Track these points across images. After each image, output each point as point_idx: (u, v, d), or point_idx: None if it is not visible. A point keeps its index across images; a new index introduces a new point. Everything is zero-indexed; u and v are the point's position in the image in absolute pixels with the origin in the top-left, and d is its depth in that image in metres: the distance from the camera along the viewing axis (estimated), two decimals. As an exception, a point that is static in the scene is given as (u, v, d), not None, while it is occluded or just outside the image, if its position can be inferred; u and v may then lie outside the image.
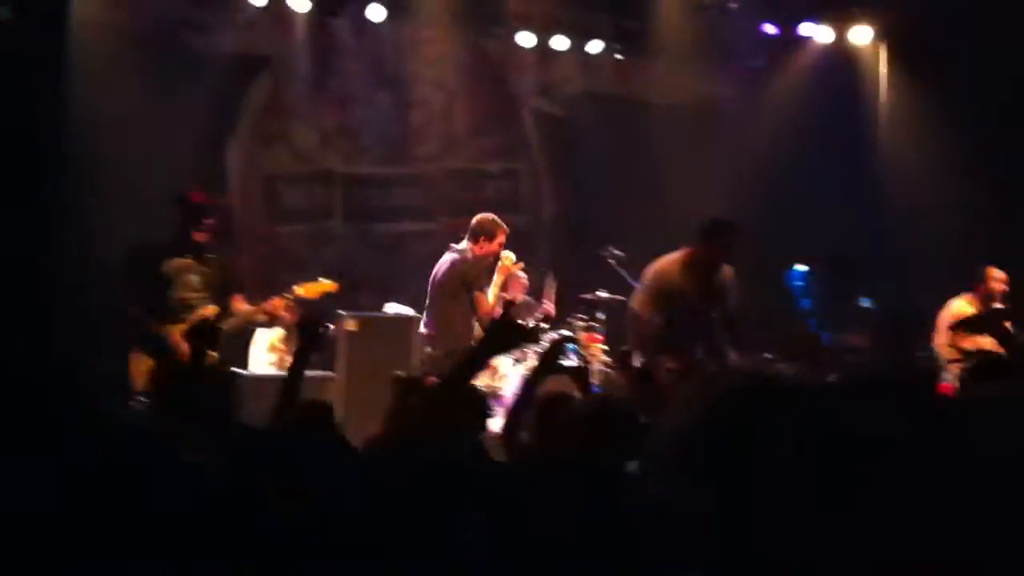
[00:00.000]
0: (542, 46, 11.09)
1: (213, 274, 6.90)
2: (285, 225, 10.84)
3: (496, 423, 8.42)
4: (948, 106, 10.23)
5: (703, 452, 1.56)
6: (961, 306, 8.01)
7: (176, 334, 6.44)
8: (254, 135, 10.71)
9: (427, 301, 7.62)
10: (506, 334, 3.31)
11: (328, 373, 8.18)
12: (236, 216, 10.44)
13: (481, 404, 4.22)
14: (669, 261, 7.06)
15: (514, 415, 3.88)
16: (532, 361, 8.92)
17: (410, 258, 10.98)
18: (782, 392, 1.60)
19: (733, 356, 6.95)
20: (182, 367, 4.15)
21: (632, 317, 7.15)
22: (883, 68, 11.24)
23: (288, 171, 10.88)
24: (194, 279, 6.82)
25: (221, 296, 6.89)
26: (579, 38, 11.10)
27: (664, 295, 6.96)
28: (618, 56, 11.25)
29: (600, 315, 9.16)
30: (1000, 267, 8.14)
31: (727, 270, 7.12)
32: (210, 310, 6.74)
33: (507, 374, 9.01)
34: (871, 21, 11.12)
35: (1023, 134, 9.78)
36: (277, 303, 6.93)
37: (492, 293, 7.43)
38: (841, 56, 11.33)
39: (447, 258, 7.54)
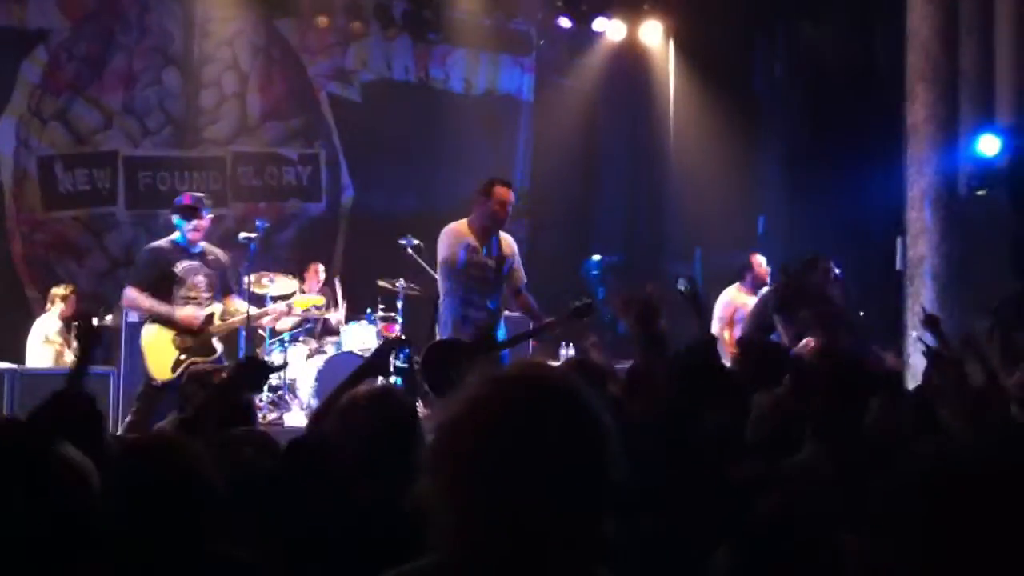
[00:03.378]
0: (338, 29, 10.89)
1: None
2: (63, 210, 10.21)
3: (296, 415, 8.34)
4: (732, 102, 10.68)
5: None
6: (735, 295, 8.30)
7: None
8: (28, 114, 10.04)
9: None
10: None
11: (107, 368, 7.80)
12: (6, 200, 9.78)
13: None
14: None
15: (325, 406, 3.78)
16: (329, 354, 8.77)
17: (200, 246, 10.58)
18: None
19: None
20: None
21: None
22: (672, 64, 11.62)
23: (67, 153, 10.26)
24: None
25: None
26: (376, 23, 10.96)
27: None
28: (416, 43, 11.15)
29: (398, 304, 9.07)
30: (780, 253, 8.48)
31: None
32: (213, 308, 6.55)
33: (302, 367, 8.84)
34: (661, 18, 11.46)
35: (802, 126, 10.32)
36: (272, 312, 7.39)
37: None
38: (633, 52, 11.65)
39: None
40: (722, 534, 2.55)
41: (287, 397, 8.71)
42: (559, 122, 11.35)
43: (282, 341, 8.93)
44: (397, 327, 8.94)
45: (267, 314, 7.13)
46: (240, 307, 6.76)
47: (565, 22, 11.41)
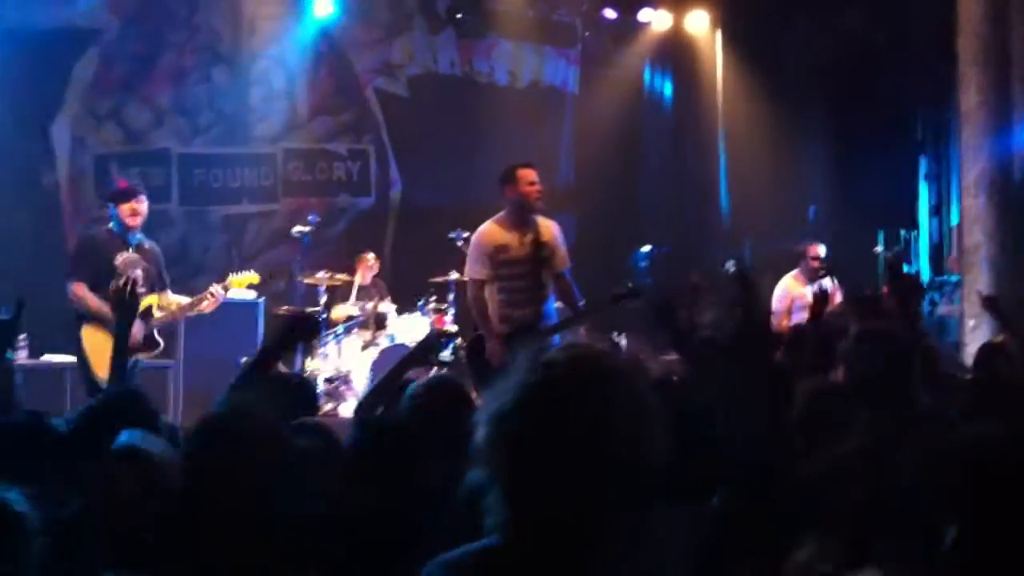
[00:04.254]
0: (383, 24, 10.96)
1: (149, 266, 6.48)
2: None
3: (351, 405, 8.43)
4: (779, 91, 10.63)
5: None
6: (791, 284, 8.24)
7: None
8: (83, 113, 10.22)
9: None
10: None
11: (168, 361, 7.89)
12: (65, 197, 9.96)
13: (302, 390, 4.19)
14: None
15: (374, 396, 3.84)
16: (382, 346, 8.86)
17: (251, 241, 10.71)
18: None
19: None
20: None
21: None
22: (719, 54, 11.57)
23: (120, 150, 10.43)
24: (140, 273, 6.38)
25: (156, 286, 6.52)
26: (421, 18, 11.02)
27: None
28: (460, 37, 11.19)
29: (451, 297, 9.14)
30: (832, 240, 8.35)
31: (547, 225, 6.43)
32: (151, 299, 6.37)
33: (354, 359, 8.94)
34: (707, 7, 11.42)
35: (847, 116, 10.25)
36: (212, 295, 6.64)
37: None
38: (679, 41, 11.61)
39: None
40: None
41: (342, 388, 8.81)
42: (605, 114, 11.34)
43: (336, 333, 9.02)
44: (449, 318, 9.01)
45: (205, 299, 6.63)
46: (174, 299, 6.59)
47: (610, 13, 11.41)
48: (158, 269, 6.51)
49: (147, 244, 6.49)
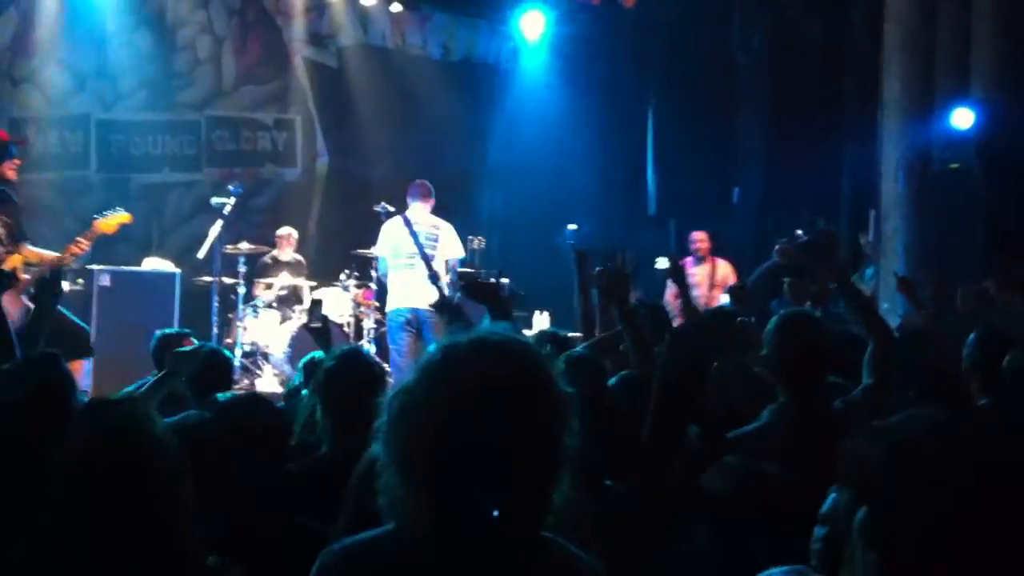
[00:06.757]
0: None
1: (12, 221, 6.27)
2: (34, 173, 10.09)
3: (268, 380, 8.34)
4: (708, 74, 10.66)
5: None
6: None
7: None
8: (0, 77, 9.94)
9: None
10: None
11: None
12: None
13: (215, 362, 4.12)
14: None
15: None
16: (300, 321, 8.72)
17: (173, 210, 10.51)
18: None
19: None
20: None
21: None
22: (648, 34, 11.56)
23: (38, 115, 10.14)
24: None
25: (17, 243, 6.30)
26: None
27: None
28: (392, 9, 11.04)
29: (373, 272, 9.05)
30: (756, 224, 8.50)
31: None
32: (15, 259, 6.15)
33: (275, 333, 8.82)
34: None
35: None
36: (81, 242, 6.42)
37: None
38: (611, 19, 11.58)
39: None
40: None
41: (260, 362, 8.69)
42: (537, 91, 11.29)
43: (255, 307, 8.89)
44: (373, 293, 8.93)
45: (73, 251, 6.51)
46: (36, 252, 6.44)
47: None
48: (18, 222, 6.35)
49: (8, 195, 6.33)
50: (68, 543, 1.82)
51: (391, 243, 7.46)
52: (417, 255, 7.23)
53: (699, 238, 8.91)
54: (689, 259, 8.67)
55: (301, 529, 2.48)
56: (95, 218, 6.72)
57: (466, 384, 1.51)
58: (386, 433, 1.56)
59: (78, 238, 6.47)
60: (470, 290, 3.57)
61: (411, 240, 7.25)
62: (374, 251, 7.82)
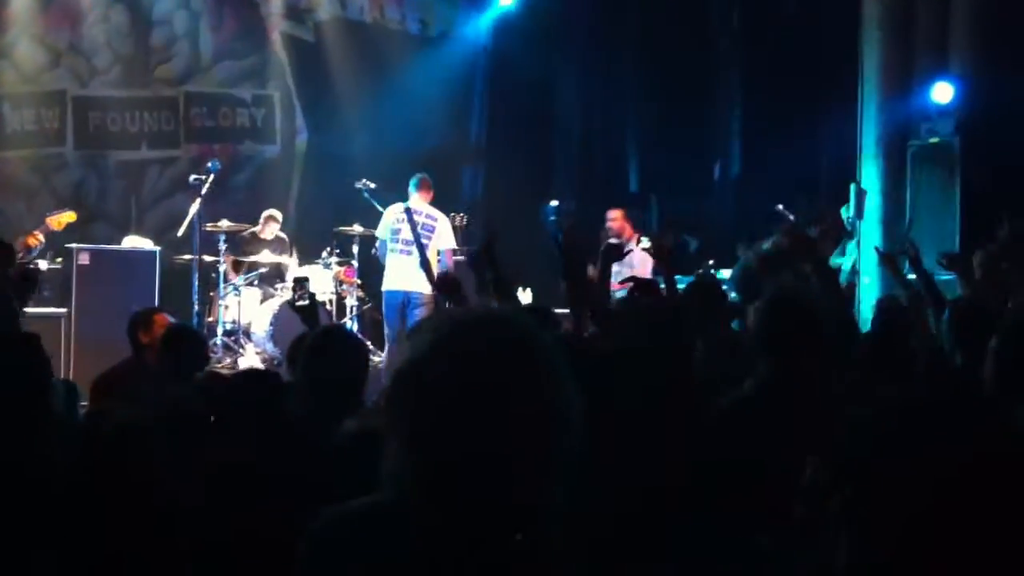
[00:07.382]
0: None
1: None
2: (9, 150, 10.00)
3: (250, 358, 8.32)
4: (689, 51, 10.64)
5: None
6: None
7: None
8: (-29, 51, 9.81)
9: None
10: None
11: (59, 310, 7.66)
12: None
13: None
14: None
15: None
16: (281, 299, 8.70)
17: (151, 188, 10.42)
18: None
19: None
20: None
21: None
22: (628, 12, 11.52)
23: (13, 92, 10.02)
24: None
25: None
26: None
27: None
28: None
29: (355, 249, 9.02)
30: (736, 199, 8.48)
31: None
32: None
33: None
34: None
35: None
36: (37, 235, 6.65)
37: None
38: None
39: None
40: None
41: (242, 341, 8.66)
42: (517, 67, 11.23)
43: (235, 286, 8.85)
44: (355, 271, 8.91)
45: (29, 243, 6.73)
46: None
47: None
48: None
49: None
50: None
51: (391, 228, 7.83)
52: (414, 243, 7.65)
53: (613, 216, 8.38)
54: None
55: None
56: (46, 215, 7.18)
57: (476, 352, 1.52)
58: (391, 402, 1.57)
59: (34, 231, 6.72)
60: (478, 257, 3.60)
61: (410, 229, 7.69)
62: (376, 233, 8.08)
